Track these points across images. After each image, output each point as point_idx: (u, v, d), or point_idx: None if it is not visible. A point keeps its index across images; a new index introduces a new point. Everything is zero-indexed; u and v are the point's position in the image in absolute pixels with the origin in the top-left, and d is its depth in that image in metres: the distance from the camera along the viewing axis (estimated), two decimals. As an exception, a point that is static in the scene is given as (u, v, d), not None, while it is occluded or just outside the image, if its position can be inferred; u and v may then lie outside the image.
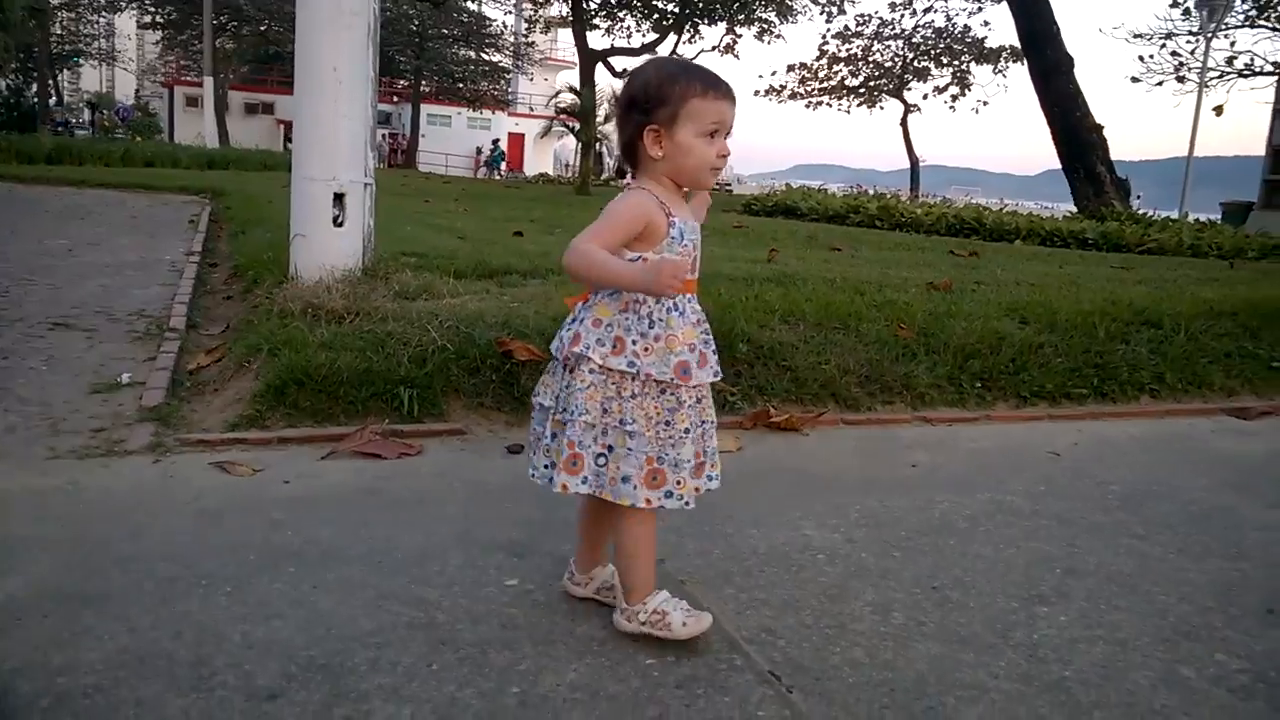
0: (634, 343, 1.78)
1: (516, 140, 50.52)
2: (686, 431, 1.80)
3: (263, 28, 38.88)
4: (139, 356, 3.82)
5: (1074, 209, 14.79)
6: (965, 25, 35.55)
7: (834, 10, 32.31)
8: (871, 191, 16.35)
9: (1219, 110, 17.18)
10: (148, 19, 38.21)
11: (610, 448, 1.79)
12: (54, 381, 3.41)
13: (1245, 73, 16.82)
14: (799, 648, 1.87)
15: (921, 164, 36.15)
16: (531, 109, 49.04)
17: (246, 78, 44.03)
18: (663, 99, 1.79)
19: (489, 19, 42.35)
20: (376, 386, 3.22)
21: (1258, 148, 19.48)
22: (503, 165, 42.73)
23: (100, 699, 1.55)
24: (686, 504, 1.81)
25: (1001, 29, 30.02)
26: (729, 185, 36.25)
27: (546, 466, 1.84)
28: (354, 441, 2.95)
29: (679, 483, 1.80)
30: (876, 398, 3.85)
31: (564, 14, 29.58)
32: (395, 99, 45.66)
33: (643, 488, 1.79)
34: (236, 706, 1.55)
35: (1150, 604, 2.17)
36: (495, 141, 43.80)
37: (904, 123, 36.68)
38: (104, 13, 37.71)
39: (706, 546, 2.35)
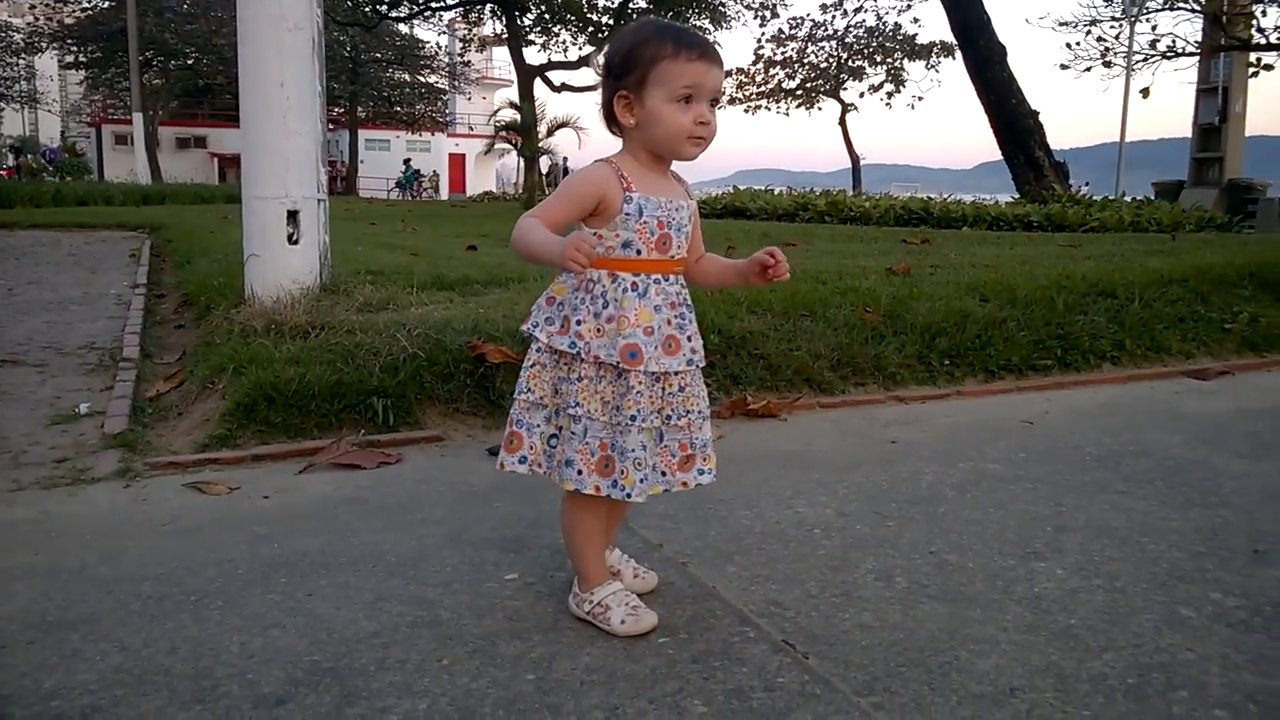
0: (579, 323, 1.71)
1: (457, 161, 50.31)
2: (633, 419, 1.70)
3: (190, 61, 38.35)
4: (95, 387, 3.71)
5: (1011, 199, 15.06)
6: (896, 23, 36.04)
7: (767, 14, 32.66)
8: (818, 192, 16.53)
9: (1145, 92, 17.62)
10: (70, 59, 37.46)
11: (560, 429, 1.74)
12: (9, 416, 3.30)
13: (1169, 55, 17.25)
14: (808, 617, 1.86)
15: (862, 162, 36.56)
16: (471, 129, 48.91)
17: (176, 112, 43.32)
18: (633, 62, 1.69)
19: (422, 41, 42.20)
20: (349, 398, 3.16)
21: (1183, 129, 20.03)
22: (415, 185, 41.10)
23: (99, 718, 1.48)
24: (629, 496, 1.71)
25: (932, 26, 30.60)
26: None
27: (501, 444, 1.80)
28: (331, 454, 2.88)
29: (622, 473, 1.70)
30: (849, 380, 3.87)
31: (498, 32, 29.53)
32: (332, 126, 45.25)
33: (593, 474, 1.71)
34: (245, 714, 1.49)
35: (1142, 553, 2.20)
36: (406, 161, 42.64)
37: (842, 122, 37.10)
38: (23, 55, 36.85)
39: (702, 530, 2.34)
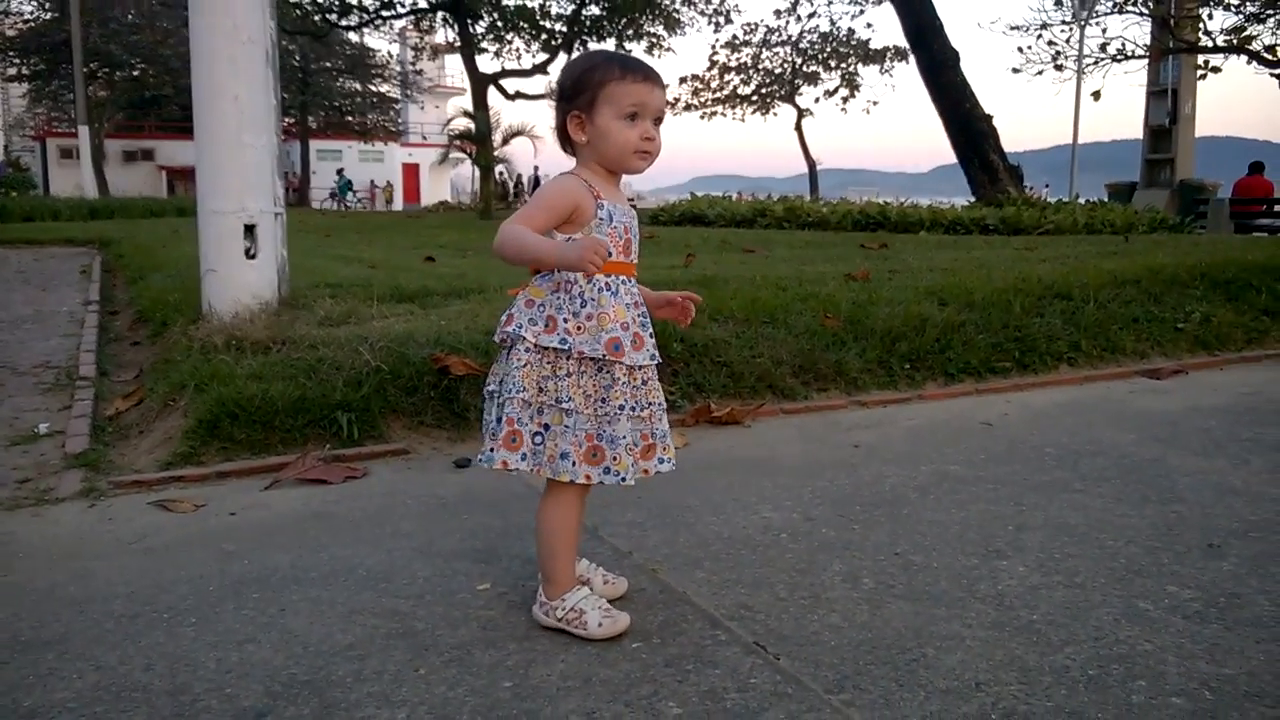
0: (565, 321, 1.80)
1: (411, 170, 50.00)
2: (621, 409, 1.80)
3: (135, 73, 37.74)
4: (52, 407, 3.66)
5: (967, 202, 15.29)
6: (850, 28, 36.43)
7: (721, 20, 32.80)
8: (775, 198, 16.70)
9: (1096, 95, 17.98)
10: (12, 71, 36.72)
11: (547, 425, 1.80)
12: (-34, 437, 3.24)
13: (1119, 57, 17.64)
14: (778, 619, 1.90)
15: (818, 167, 36.83)
16: (425, 138, 48.63)
17: (123, 125, 42.54)
18: (583, 85, 1.84)
19: (373, 50, 41.85)
20: (313, 413, 3.15)
21: (1134, 131, 20.45)
22: (349, 195, 40.33)
23: (80, 735, 1.48)
24: (623, 480, 1.80)
25: (884, 31, 30.94)
26: (631, 200, 36.39)
27: (490, 450, 1.82)
28: (296, 469, 2.87)
29: (615, 459, 1.79)
30: (811, 386, 3.92)
31: (450, 40, 29.37)
32: (283, 136, 44.73)
33: (583, 464, 1.79)
34: (226, 728, 1.49)
35: (1101, 549, 2.26)
36: (340, 171, 42.04)
37: (798, 127, 37.35)
38: (-37, 69, 36.09)
39: (670, 536, 2.37)
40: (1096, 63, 18.26)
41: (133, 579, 2.12)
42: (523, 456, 1.80)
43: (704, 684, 1.64)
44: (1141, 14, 17.27)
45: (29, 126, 45.73)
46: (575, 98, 1.85)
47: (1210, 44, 16.56)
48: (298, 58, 36.63)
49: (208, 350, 3.58)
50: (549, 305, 1.81)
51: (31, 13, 34.35)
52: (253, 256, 4.16)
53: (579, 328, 1.79)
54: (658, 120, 1.87)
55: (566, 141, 1.91)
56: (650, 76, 1.85)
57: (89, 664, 1.72)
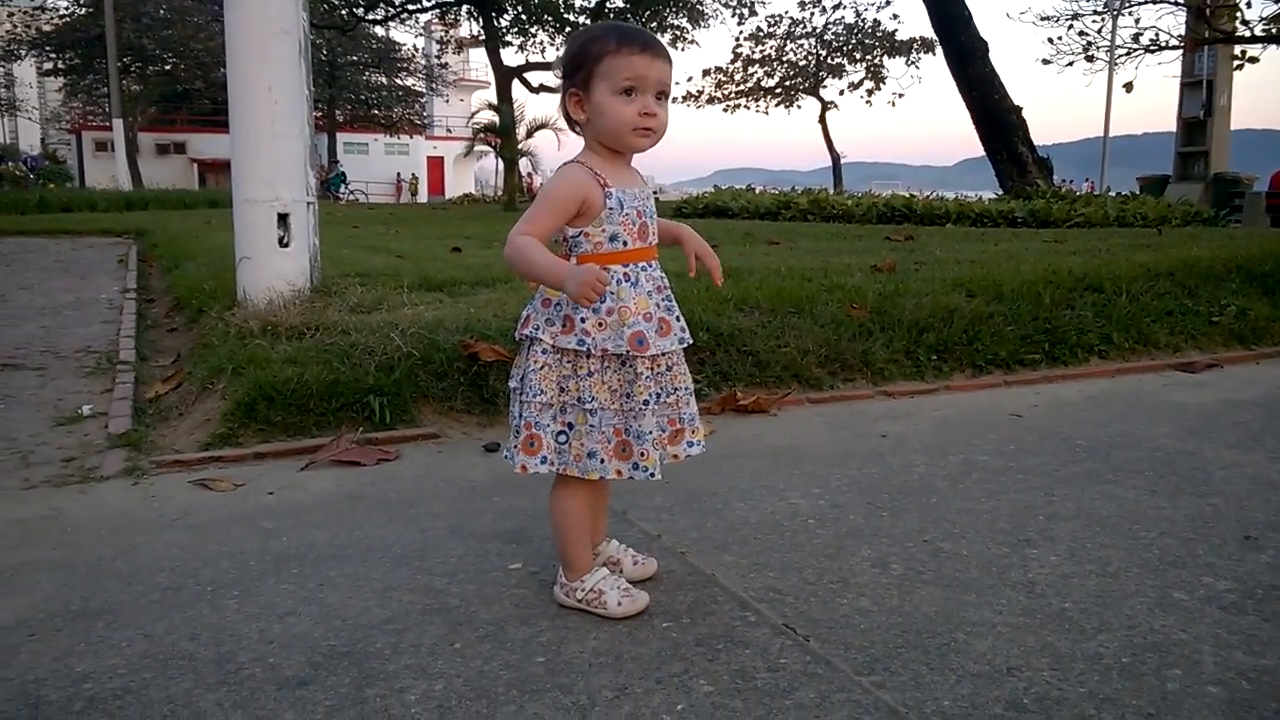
0: (583, 320, 1.75)
1: (436, 163, 50.26)
2: (645, 403, 1.77)
3: (167, 67, 38.13)
4: (95, 390, 3.73)
5: (994, 196, 15.16)
6: (875, 20, 36.15)
7: (745, 12, 32.72)
8: (799, 190, 16.61)
9: (1129, 87, 17.75)
10: (49, 66, 37.21)
11: (570, 425, 1.78)
12: (14, 418, 3.33)
13: (1151, 48, 17.38)
14: (807, 602, 1.91)
15: (842, 160, 36.62)
16: (450, 131, 48.84)
17: (155, 118, 43.07)
18: (580, 60, 1.75)
19: (398, 44, 42.08)
20: (346, 397, 3.20)
21: (1167, 123, 20.19)
22: (343, 188, 38.89)
23: (131, 700, 1.53)
24: (651, 475, 1.77)
25: (911, 21, 30.63)
26: (655, 192, 36.26)
27: (514, 447, 1.82)
28: (331, 451, 2.92)
29: (643, 454, 1.77)
30: (838, 376, 3.92)
31: (475, 34, 29.46)
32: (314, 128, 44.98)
33: (612, 460, 1.78)
34: (269, 695, 1.54)
35: (1134, 540, 2.26)
36: (335, 161, 41.63)
37: (822, 120, 37.17)
38: (2, 63, 36.58)
39: (699, 521, 2.38)
40: (1129, 53, 18.02)
41: (176, 554, 2.17)
42: (543, 460, 1.78)
43: (734, 663, 1.66)
44: (1176, 3, 17.00)
45: (65, 120, 46.36)
46: (574, 74, 1.77)
47: (1249, 33, 16.28)
48: (325, 52, 36.91)
49: (244, 335, 3.64)
50: (565, 304, 1.77)
51: (67, 8, 34.79)
52: (286, 245, 4.22)
53: (599, 324, 1.75)
54: (661, 95, 1.77)
55: (571, 122, 1.83)
56: (650, 46, 1.75)
57: (137, 633, 1.77)
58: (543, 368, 1.78)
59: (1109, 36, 18.31)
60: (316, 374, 3.21)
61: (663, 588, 1.97)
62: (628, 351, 1.75)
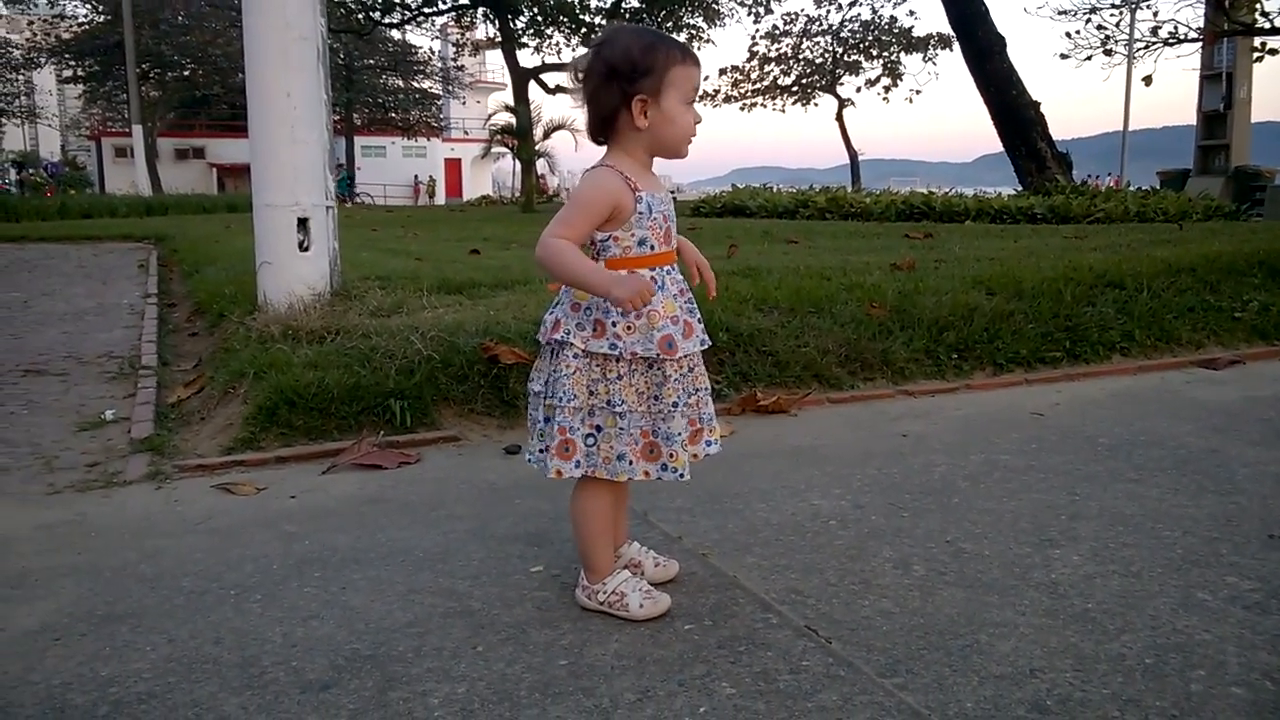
0: (614, 324, 1.77)
1: (453, 165, 50.39)
2: (675, 405, 1.79)
3: (186, 73, 38.42)
4: (117, 395, 3.77)
5: (1013, 192, 15.07)
6: (892, 16, 35.99)
7: (761, 10, 32.62)
8: (816, 189, 16.57)
9: (1148, 80, 17.57)
10: (68, 73, 37.56)
11: (599, 428, 1.79)
12: (38, 423, 3.37)
13: (1170, 41, 17.20)
14: (829, 604, 1.91)
15: (860, 157, 36.47)
16: (466, 133, 48.96)
17: (174, 124, 43.39)
18: (648, 67, 1.74)
19: (415, 47, 42.22)
20: (367, 400, 3.21)
21: (1187, 117, 19.98)
22: (347, 192, 38.37)
23: (156, 704, 1.55)
24: (681, 476, 1.79)
25: (928, 17, 30.51)
26: (673, 191, 36.25)
27: (541, 451, 1.82)
28: (352, 454, 2.94)
29: (671, 455, 1.79)
30: (858, 375, 3.91)
31: (491, 36, 29.53)
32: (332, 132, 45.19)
33: (640, 461, 1.79)
34: (293, 699, 1.56)
35: (1157, 539, 2.24)
36: (340, 165, 41.92)
37: (840, 117, 37.01)
38: (22, 70, 36.97)
39: (720, 522, 2.38)
40: (1147, 47, 17.82)
41: (200, 558, 2.19)
42: (576, 464, 1.79)
43: (756, 665, 1.66)
44: (1194, -5, 16.80)
45: (85, 126, 46.80)
46: (639, 79, 1.74)
47: (1269, 25, 16.08)
48: (342, 56, 37.06)
49: (265, 340, 3.67)
50: (595, 308, 1.78)
51: (86, 16, 35.12)
52: (306, 249, 4.24)
53: (629, 328, 1.76)
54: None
55: (610, 124, 1.80)
56: (699, 61, 1.82)
57: (162, 637, 1.79)
58: (574, 373, 1.78)
59: (1127, 30, 18.17)
60: (337, 378, 3.23)
61: (684, 590, 1.97)
62: (657, 354, 1.77)
